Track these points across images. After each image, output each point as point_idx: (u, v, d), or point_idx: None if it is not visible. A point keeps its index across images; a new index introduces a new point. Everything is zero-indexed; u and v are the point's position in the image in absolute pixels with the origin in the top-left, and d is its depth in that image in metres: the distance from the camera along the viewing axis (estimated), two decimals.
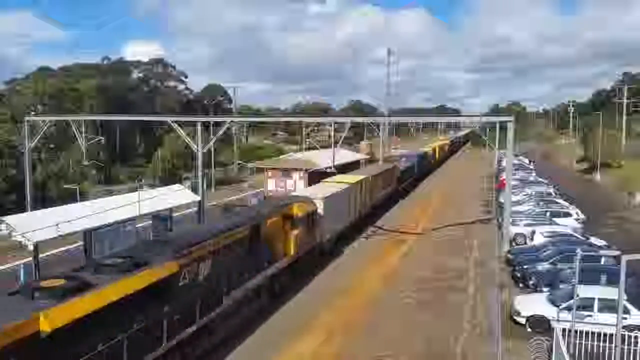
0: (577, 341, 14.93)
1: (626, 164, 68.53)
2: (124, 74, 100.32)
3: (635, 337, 14.71)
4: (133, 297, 12.05)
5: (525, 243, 29.27)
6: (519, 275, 23.48)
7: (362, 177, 36.18)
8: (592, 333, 15.11)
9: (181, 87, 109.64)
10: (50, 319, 9.93)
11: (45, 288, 10.98)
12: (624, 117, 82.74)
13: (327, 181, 34.32)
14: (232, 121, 53.08)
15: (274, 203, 23.91)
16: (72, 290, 11.01)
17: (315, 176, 42.17)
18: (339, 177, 35.73)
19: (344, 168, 44.78)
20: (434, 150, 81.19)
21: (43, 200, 39.49)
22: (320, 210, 26.00)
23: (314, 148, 57.07)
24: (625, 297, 14.15)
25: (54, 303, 10.41)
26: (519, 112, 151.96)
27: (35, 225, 20.39)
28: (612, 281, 17.76)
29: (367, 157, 69.64)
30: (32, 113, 56.37)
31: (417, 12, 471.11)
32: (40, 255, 21.89)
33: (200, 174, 34.09)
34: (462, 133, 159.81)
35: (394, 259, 28.91)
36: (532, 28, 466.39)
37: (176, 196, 29.82)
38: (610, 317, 15.57)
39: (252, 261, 18.96)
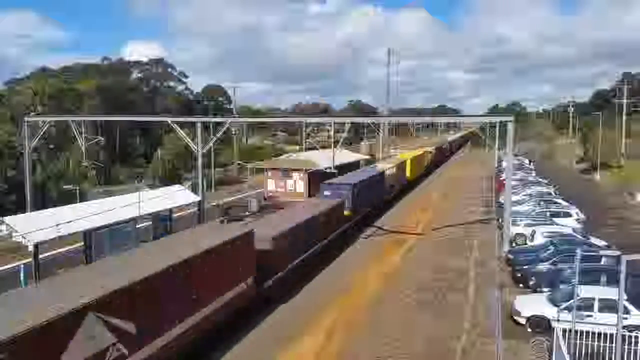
0: (578, 341, 14.93)
1: (626, 164, 68.55)
2: (124, 74, 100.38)
3: (636, 337, 14.72)
4: None
5: (526, 243, 29.27)
6: (519, 275, 23.48)
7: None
8: (593, 333, 15.11)
9: (181, 87, 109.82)
10: None
11: None
12: (624, 117, 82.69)
13: None
14: (232, 122, 53.08)
15: None
16: None
17: (315, 176, 42.14)
18: None
19: (344, 168, 44.75)
20: (402, 166, 52.56)
21: (43, 201, 39.47)
22: None
23: (314, 148, 57.04)
24: (625, 297, 14.15)
25: None
26: (519, 112, 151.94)
27: (36, 226, 20.40)
28: (612, 281, 17.78)
29: (368, 157, 69.68)
30: (32, 113, 56.32)
31: (417, 12, 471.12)
32: (41, 256, 21.90)
33: (200, 174, 34.09)
34: (457, 135, 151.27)
35: (395, 258, 28.91)
36: (532, 28, 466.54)
37: (176, 196, 29.84)
38: (610, 317, 15.58)
39: None
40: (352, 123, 46.20)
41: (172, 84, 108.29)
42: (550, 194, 43.25)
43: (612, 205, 45.72)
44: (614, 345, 13.33)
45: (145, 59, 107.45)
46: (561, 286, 20.11)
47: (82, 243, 23.66)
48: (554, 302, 18.58)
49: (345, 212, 31.64)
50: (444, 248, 30.93)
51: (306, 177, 44.10)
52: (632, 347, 14.64)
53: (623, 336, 13.46)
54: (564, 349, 14.09)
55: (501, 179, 49.17)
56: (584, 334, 15.07)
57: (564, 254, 23.32)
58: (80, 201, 32.72)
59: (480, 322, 19.42)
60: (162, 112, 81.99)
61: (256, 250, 19.30)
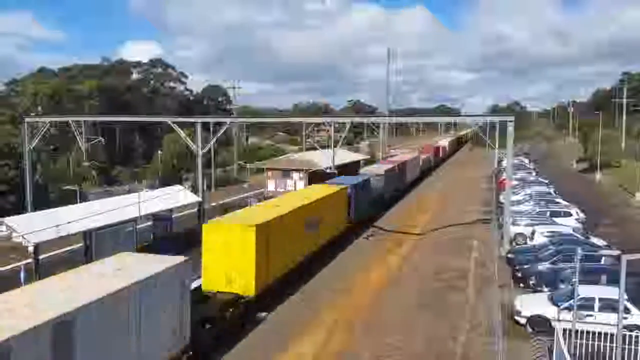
0: (578, 341, 14.92)
1: (626, 163, 68.50)
2: (124, 75, 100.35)
3: (636, 337, 14.71)
4: None
5: (526, 243, 29.25)
6: (519, 275, 23.46)
7: None
8: (593, 333, 15.10)
9: (181, 87, 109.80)
10: None
11: None
12: (624, 117, 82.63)
13: None
14: (232, 122, 53.06)
15: None
16: None
17: (315, 176, 42.12)
18: None
19: (344, 168, 44.71)
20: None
21: (43, 202, 39.46)
22: None
23: (314, 148, 57.05)
24: (625, 296, 14.14)
25: None
26: (520, 112, 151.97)
27: (36, 227, 20.40)
28: (613, 281, 17.75)
29: (368, 157, 69.64)
30: (32, 114, 56.29)
31: (418, 11, 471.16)
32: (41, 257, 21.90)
33: (200, 174, 34.07)
34: (446, 141, 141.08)
35: (395, 258, 28.89)
36: (532, 27, 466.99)
37: (177, 197, 29.85)
38: (611, 317, 15.57)
39: None
40: (352, 123, 46.12)
41: (172, 84, 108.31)
42: (550, 193, 43.20)
43: (612, 204, 45.68)
44: (614, 345, 13.33)
45: (144, 59, 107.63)
46: (561, 286, 20.11)
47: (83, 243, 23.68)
48: (554, 301, 18.56)
49: None
50: (444, 248, 30.90)
51: (306, 177, 44.12)
52: (633, 347, 14.63)
53: (623, 336, 13.47)
54: (565, 348, 14.07)
55: (501, 178, 49.14)
56: (585, 333, 15.06)
57: (564, 253, 23.31)
58: (81, 201, 32.73)
59: (480, 322, 19.40)
60: (162, 113, 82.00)
61: None
